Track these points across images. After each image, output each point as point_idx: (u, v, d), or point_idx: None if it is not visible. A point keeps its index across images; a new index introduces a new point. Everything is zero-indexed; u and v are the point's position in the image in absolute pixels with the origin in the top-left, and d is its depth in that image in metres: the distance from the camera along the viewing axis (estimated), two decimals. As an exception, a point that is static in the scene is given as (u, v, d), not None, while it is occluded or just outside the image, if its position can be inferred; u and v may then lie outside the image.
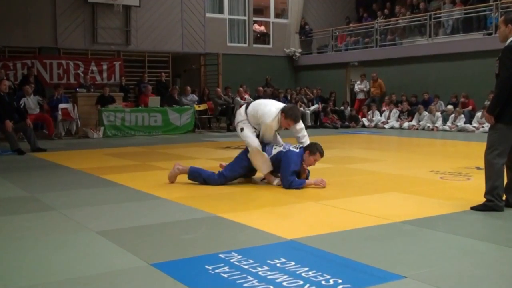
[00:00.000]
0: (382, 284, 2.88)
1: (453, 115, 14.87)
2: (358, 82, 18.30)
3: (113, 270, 3.16)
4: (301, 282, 2.91)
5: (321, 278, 2.97)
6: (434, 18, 16.84)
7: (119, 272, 3.13)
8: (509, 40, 4.53)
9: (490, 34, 15.15)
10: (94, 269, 3.18)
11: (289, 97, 17.10)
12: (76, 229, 4.16)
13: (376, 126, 16.52)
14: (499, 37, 4.68)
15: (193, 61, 19.30)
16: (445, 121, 15.06)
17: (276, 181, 5.91)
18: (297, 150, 5.86)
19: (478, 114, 14.33)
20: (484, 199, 4.58)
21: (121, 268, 3.21)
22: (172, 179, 6.05)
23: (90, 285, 2.92)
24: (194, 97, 16.15)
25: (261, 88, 16.95)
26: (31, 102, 12.70)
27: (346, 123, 16.84)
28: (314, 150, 5.87)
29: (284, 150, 5.84)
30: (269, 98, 16.59)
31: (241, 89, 16.25)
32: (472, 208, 4.59)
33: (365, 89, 18.14)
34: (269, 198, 5.34)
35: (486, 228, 4.16)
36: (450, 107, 15.05)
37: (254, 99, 16.06)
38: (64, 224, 4.33)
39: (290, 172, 5.72)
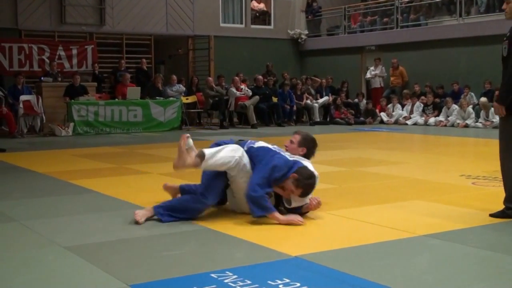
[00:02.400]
0: (404, 309, 2.90)
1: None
2: (372, 68, 18.26)
3: (84, 293, 3.17)
4: (308, 307, 2.92)
5: (332, 302, 2.97)
6: (466, -7, 16.86)
7: (92, 295, 3.13)
8: None
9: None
10: (63, 292, 3.18)
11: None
12: (41, 244, 4.15)
13: (396, 122, 16.53)
14: (506, 14, 4.65)
15: (179, 45, 19.29)
16: (477, 116, 15.08)
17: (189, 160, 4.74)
18: (291, 159, 4.85)
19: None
20: (503, 206, 4.62)
21: (94, 290, 3.21)
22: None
23: (58, 310, 2.93)
24: (181, 87, 16.15)
25: (261, 77, 16.93)
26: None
27: (361, 119, 16.85)
28: (302, 182, 4.65)
29: (273, 148, 4.99)
30: (271, 90, 16.74)
31: (236, 78, 16.25)
32: (492, 215, 4.63)
33: (381, 75, 17.99)
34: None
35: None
36: (483, 99, 15.05)
37: (252, 90, 16.14)
38: (27, 238, 4.33)
39: (265, 177, 4.66)
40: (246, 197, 4.67)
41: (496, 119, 14.55)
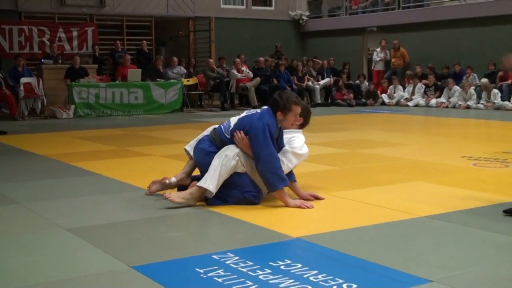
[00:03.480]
0: (405, 290, 2.91)
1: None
2: (378, 49, 18.24)
3: (87, 275, 3.18)
4: (309, 287, 2.94)
5: (333, 282, 2.99)
6: (468, -26, 16.74)
7: (94, 277, 3.15)
8: None
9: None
10: (66, 273, 3.19)
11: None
12: (44, 226, 4.17)
13: (398, 104, 16.49)
14: None
15: (180, 26, 19.20)
16: (479, 97, 15.04)
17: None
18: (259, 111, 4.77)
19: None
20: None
21: (97, 272, 3.23)
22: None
23: (61, 291, 2.95)
24: (182, 69, 16.10)
25: (262, 58, 16.83)
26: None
27: (363, 100, 16.81)
28: (286, 102, 4.64)
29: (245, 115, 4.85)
30: (273, 71, 16.66)
31: (238, 59, 16.18)
32: (505, 212, 4.26)
33: (386, 58, 18.04)
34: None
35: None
36: (485, 80, 15.02)
37: (254, 72, 16.09)
38: (29, 221, 4.34)
39: (265, 141, 4.54)
40: (263, 170, 4.54)
41: (498, 100, 14.54)
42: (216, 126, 4.98)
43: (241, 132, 4.63)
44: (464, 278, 3.05)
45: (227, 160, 4.58)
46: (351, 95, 16.97)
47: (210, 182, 4.53)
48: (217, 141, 4.79)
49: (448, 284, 2.96)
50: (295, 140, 4.94)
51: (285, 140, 4.93)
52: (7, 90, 12.74)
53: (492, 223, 4.09)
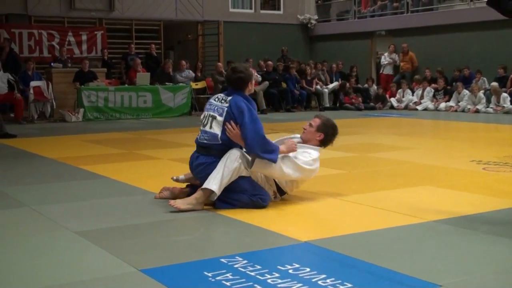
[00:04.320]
0: (413, 294, 2.90)
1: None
2: (387, 53, 18.25)
3: (95, 278, 3.18)
4: (317, 292, 2.93)
5: (342, 287, 2.98)
6: (477, -23, 16.71)
7: (103, 280, 3.15)
8: None
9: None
10: (74, 276, 3.20)
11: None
12: (52, 229, 4.18)
13: (407, 108, 16.46)
14: None
15: (189, 30, 19.24)
16: (488, 101, 14.99)
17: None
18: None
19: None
20: None
21: (105, 275, 3.23)
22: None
23: (69, 294, 2.95)
24: (190, 73, 16.13)
25: (270, 62, 16.84)
26: (-1, 80, 12.75)
27: (371, 104, 16.79)
28: (246, 71, 4.84)
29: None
30: (281, 75, 16.65)
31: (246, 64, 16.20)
32: None
33: (395, 63, 18.08)
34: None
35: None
36: (495, 84, 14.96)
37: (262, 76, 16.09)
38: (38, 223, 4.35)
39: (254, 122, 4.63)
40: (254, 151, 4.58)
41: (507, 104, 14.48)
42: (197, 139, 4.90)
43: (231, 123, 4.61)
44: (472, 283, 3.04)
45: (229, 162, 4.57)
46: (360, 99, 16.95)
47: (213, 183, 4.53)
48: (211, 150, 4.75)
49: (457, 289, 2.95)
50: (306, 155, 4.80)
51: (294, 154, 4.80)
52: (18, 94, 12.80)
53: (501, 228, 4.07)
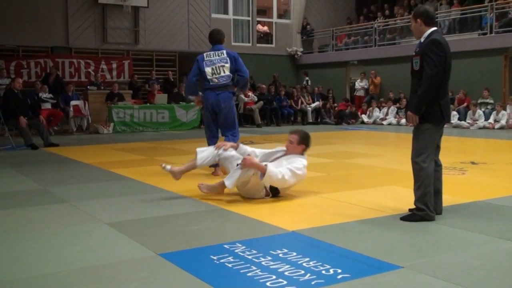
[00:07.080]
0: (380, 274, 2.88)
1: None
2: (359, 80, 18.31)
3: (122, 260, 3.17)
4: (302, 272, 2.91)
5: (322, 268, 2.97)
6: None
7: (128, 262, 3.14)
8: (426, 34, 4.09)
9: (485, 34, 15.10)
10: (104, 259, 3.19)
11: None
12: (87, 221, 4.17)
13: (375, 123, 16.47)
14: (414, 34, 4.28)
15: (199, 60, 19.24)
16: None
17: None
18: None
19: (470, 112, 14.48)
20: (414, 207, 4.07)
21: (130, 258, 3.21)
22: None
23: (100, 274, 2.93)
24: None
25: (264, 85, 16.87)
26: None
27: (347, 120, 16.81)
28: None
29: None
30: (272, 96, 16.69)
31: (245, 87, 16.20)
32: (402, 219, 4.03)
33: (365, 87, 18.13)
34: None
35: (482, 220, 4.13)
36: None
37: (258, 96, 16.10)
38: (75, 216, 4.34)
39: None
40: (244, 80, 6.36)
41: (454, 120, 14.51)
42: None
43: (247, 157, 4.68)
44: (429, 265, 3.03)
45: (247, 170, 4.60)
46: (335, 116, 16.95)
47: (230, 181, 4.65)
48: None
49: (416, 269, 2.94)
50: (298, 162, 4.79)
51: (287, 161, 4.81)
52: (59, 111, 12.77)
53: (452, 220, 4.06)
